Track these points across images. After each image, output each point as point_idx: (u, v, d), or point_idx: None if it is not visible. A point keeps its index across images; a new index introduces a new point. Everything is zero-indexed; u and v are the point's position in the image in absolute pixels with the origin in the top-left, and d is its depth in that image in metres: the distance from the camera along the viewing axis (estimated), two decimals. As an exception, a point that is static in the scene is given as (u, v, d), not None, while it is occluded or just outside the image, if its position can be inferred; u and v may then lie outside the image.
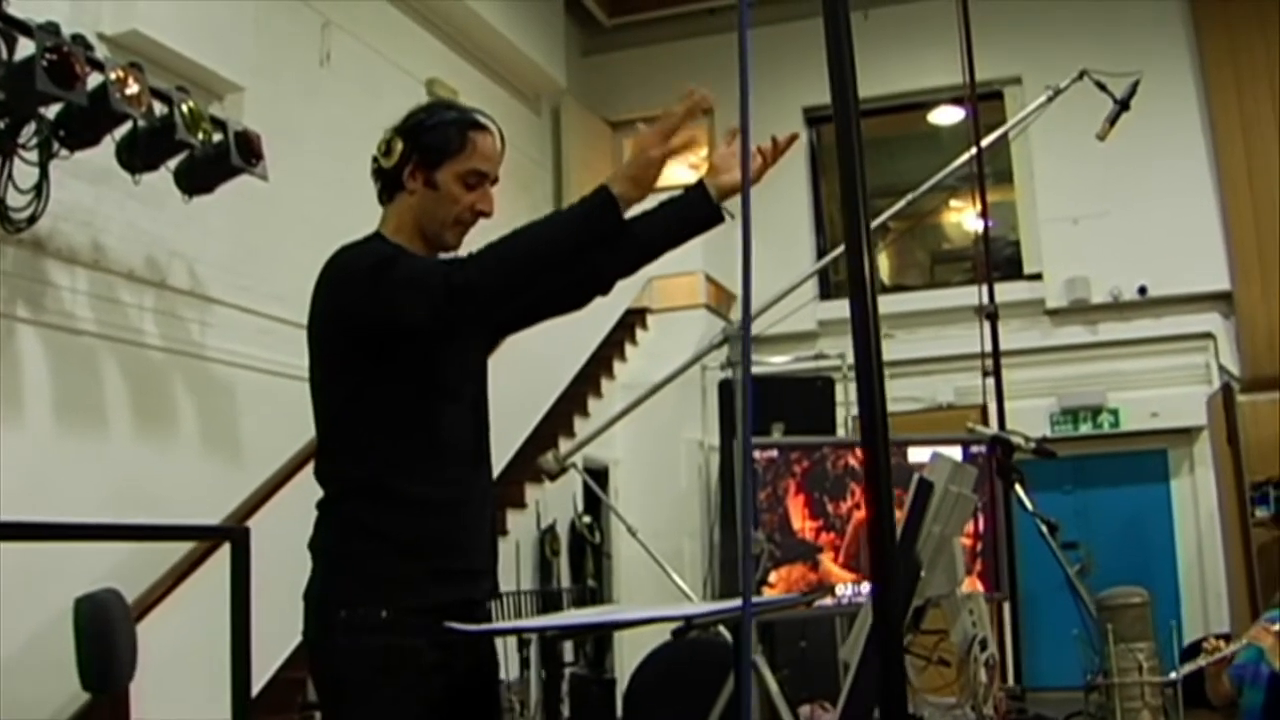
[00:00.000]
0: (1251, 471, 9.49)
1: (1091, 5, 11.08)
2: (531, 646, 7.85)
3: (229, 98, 6.99)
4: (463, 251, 2.70)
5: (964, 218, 12.68)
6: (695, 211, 2.62)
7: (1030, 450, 4.34)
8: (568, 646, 8.35)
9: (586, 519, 9.32)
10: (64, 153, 5.47)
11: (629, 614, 2.31)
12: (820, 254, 11.80)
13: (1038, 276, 11.35)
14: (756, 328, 4.47)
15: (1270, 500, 9.61)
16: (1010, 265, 11.45)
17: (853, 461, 4.81)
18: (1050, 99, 4.95)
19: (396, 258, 2.49)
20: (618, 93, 12.80)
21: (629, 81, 12.73)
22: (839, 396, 9.43)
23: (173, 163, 5.94)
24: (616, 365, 10.73)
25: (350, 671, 2.44)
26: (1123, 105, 4.98)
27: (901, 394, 10.54)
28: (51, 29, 5.07)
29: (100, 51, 5.54)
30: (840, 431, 9.01)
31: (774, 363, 10.28)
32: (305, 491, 2.67)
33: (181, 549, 6.05)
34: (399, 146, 2.59)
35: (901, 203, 4.75)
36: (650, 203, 2.58)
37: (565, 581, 9.11)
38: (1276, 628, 4.90)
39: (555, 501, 8.92)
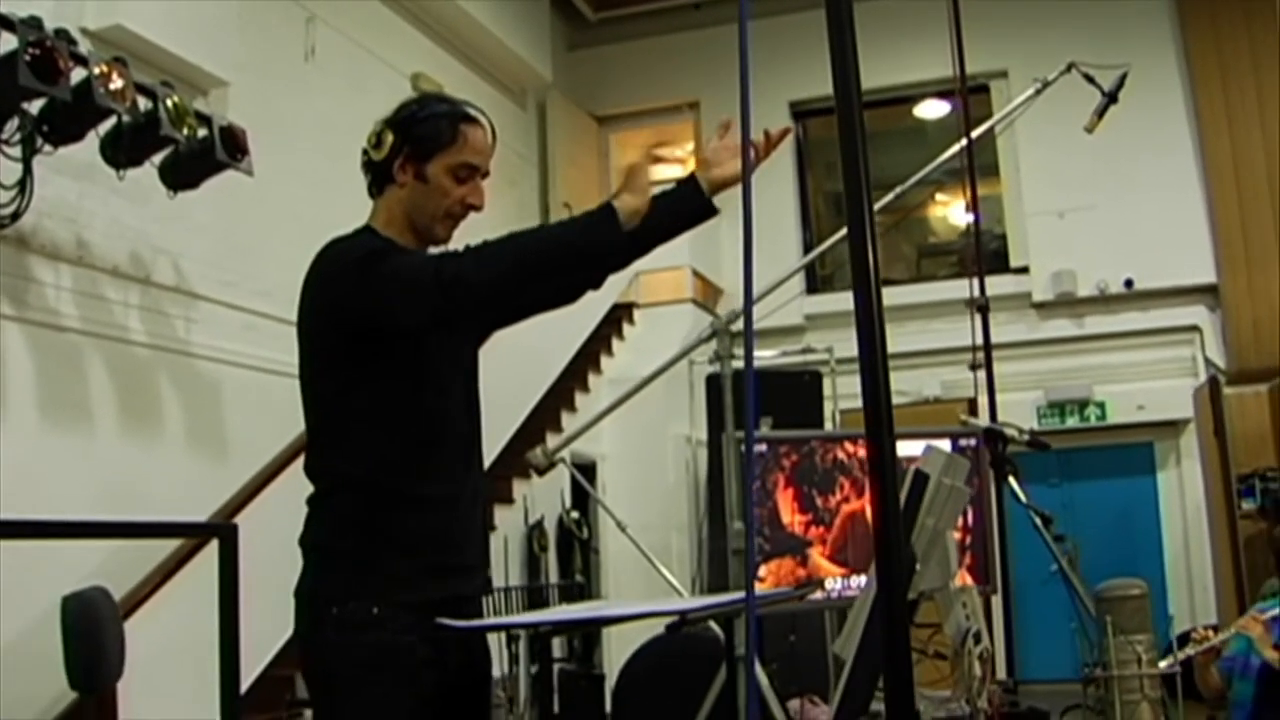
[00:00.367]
0: (1238, 464, 9.54)
1: (1078, 0, 11.09)
2: (520, 642, 7.84)
3: (214, 93, 6.96)
4: (453, 246, 2.69)
5: (950, 211, 12.70)
6: (687, 205, 2.60)
7: (1024, 442, 4.33)
8: (556, 642, 8.34)
9: (574, 514, 9.31)
10: (47, 148, 5.44)
11: (624, 609, 2.30)
12: (806, 248, 11.81)
13: (1024, 270, 11.37)
14: (741, 322, 4.46)
15: (1256, 492, 9.65)
16: (996, 259, 11.47)
17: (841, 455, 4.81)
18: (1038, 91, 4.93)
19: (386, 251, 2.48)
20: (603, 87, 12.79)
21: (614, 76, 12.72)
22: (826, 390, 9.43)
23: (157, 158, 5.91)
24: (604, 360, 10.73)
25: (341, 667, 2.43)
26: (1111, 98, 4.97)
27: (888, 388, 10.53)
28: (34, 23, 5.04)
29: (84, 46, 5.50)
30: (828, 425, 9.01)
31: (761, 357, 10.26)
32: (292, 488, 2.66)
33: (168, 546, 6.03)
34: (389, 139, 2.57)
35: (890, 196, 4.72)
36: None
37: (553, 577, 9.10)
38: (1265, 616, 4.92)
39: (543, 497, 8.91)
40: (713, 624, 4.58)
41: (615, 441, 10.07)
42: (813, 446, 4.78)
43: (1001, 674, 5.83)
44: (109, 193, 6.08)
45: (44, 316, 5.79)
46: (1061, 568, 4.05)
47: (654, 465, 10.30)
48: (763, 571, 4.52)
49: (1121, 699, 3.32)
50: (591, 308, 9.88)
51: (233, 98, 7.02)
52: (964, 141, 5.36)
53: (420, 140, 2.55)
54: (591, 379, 10.39)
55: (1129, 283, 10.90)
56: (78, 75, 5.22)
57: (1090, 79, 4.94)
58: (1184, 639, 5.14)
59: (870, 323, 1.27)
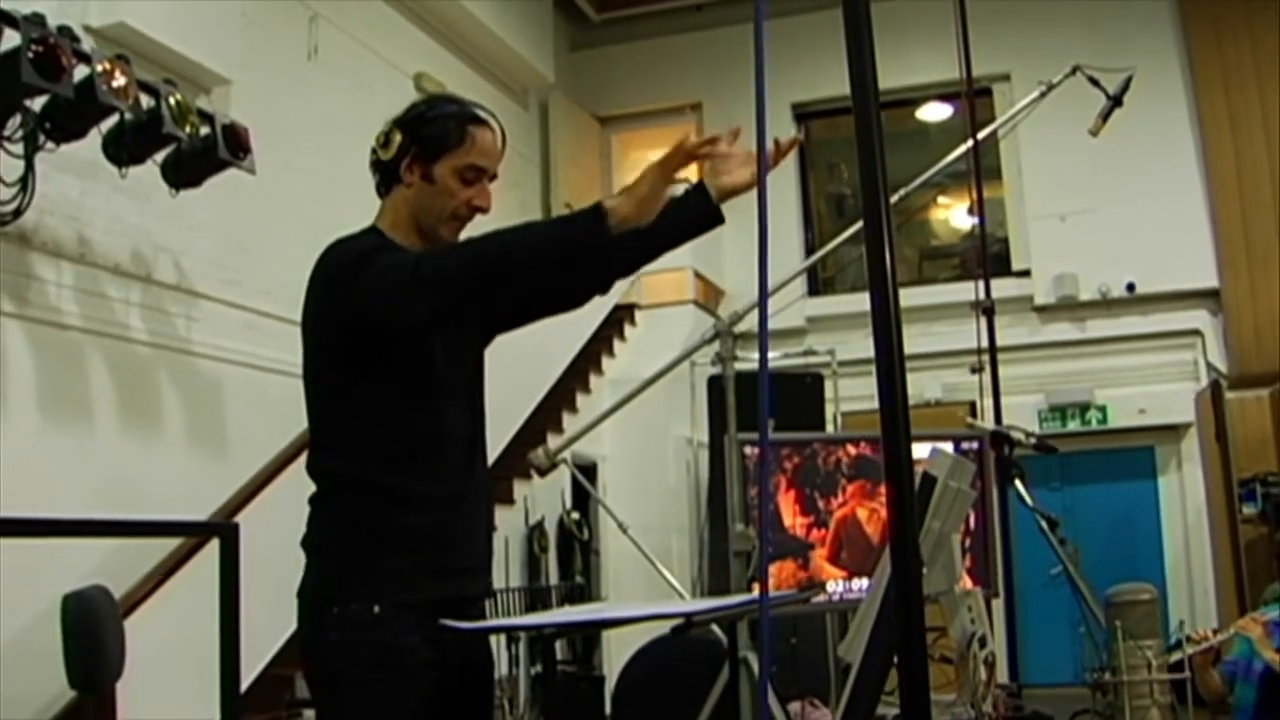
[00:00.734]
0: (1239, 468, 9.52)
1: (1080, 3, 11.09)
2: (520, 644, 7.82)
3: (216, 91, 6.95)
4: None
5: (952, 214, 12.68)
6: (695, 211, 2.59)
7: (1030, 445, 4.32)
8: (558, 643, 8.32)
9: (575, 515, 9.30)
10: (50, 145, 5.42)
11: (631, 611, 2.29)
12: (808, 250, 11.80)
13: (1026, 273, 11.36)
14: (743, 325, 4.46)
15: (1257, 497, 9.64)
16: (998, 262, 11.44)
17: (843, 457, 4.80)
18: (1043, 94, 4.94)
19: (378, 251, 2.46)
20: (606, 88, 12.78)
21: (617, 76, 12.72)
22: (828, 393, 9.42)
23: (160, 156, 5.90)
24: (605, 361, 10.72)
25: (343, 667, 2.43)
26: (1115, 101, 4.98)
27: (890, 390, 10.51)
28: (37, 20, 5.03)
29: (87, 44, 5.50)
30: (829, 428, 9.00)
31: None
32: (293, 487, 2.65)
33: (168, 545, 6.01)
34: (398, 139, 2.56)
35: (893, 198, 4.72)
36: None
37: (553, 578, 9.09)
38: (1265, 618, 4.91)
39: (543, 498, 8.90)
40: (714, 626, 4.58)
41: (616, 443, 10.06)
42: (815, 449, 4.78)
43: (1004, 678, 5.82)
44: (111, 190, 6.07)
45: (45, 314, 5.78)
46: (1068, 571, 4.05)
47: (655, 467, 10.29)
48: (764, 573, 4.51)
49: (1131, 704, 3.31)
50: (593, 309, 9.82)
51: (235, 96, 7.02)
52: (970, 143, 5.36)
53: (428, 141, 2.54)
54: (593, 380, 10.39)
55: (1131, 286, 10.88)
56: (80, 72, 5.21)
57: (1095, 82, 4.95)
58: (1179, 644, 5.13)
59: (887, 324, 1.26)
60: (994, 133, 5.91)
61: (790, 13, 10.72)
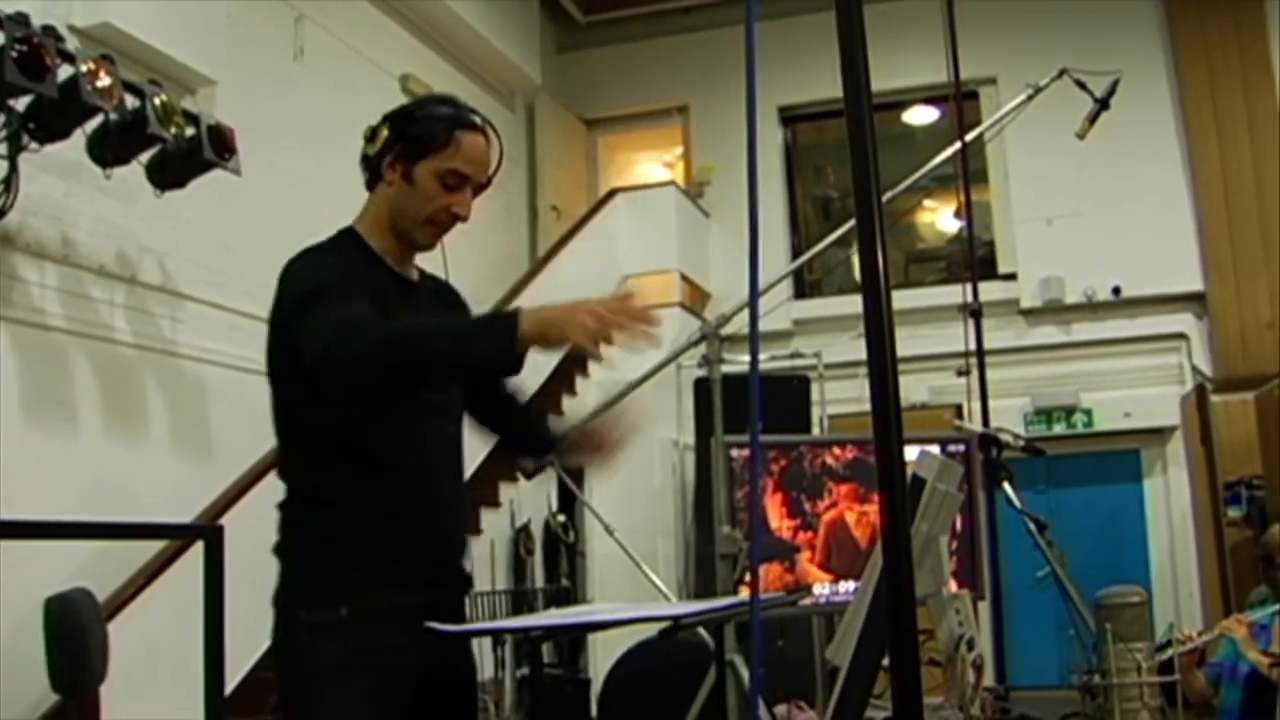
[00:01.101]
0: (1224, 471, 9.54)
1: (1066, 7, 11.11)
2: (506, 646, 7.80)
3: (201, 92, 6.93)
4: (437, 252, 2.66)
5: (938, 217, 12.70)
6: (494, 344, 2.25)
7: (1019, 448, 4.32)
8: (544, 646, 8.30)
9: (561, 518, 9.29)
10: (33, 145, 5.40)
11: (619, 614, 2.28)
12: (795, 253, 11.78)
13: (1012, 276, 11.37)
14: (730, 327, 4.45)
15: (1242, 500, 9.67)
16: (984, 265, 11.43)
17: (830, 460, 4.79)
18: (1030, 97, 4.94)
19: (323, 292, 2.36)
20: (593, 90, 12.76)
21: (604, 79, 12.70)
22: (814, 395, 9.42)
23: (144, 157, 5.88)
24: (590, 363, 10.69)
25: (309, 672, 2.41)
26: (1102, 104, 4.98)
27: (876, 393, 10.52)
28: (21, 20, 5.01)
29: (71, 44, 5.48)
30: (815, 430, 9.00)
31: (749, 361, 10.22)
32: (279, 490, 2.65)
33: (153, 547, 5.98)
34: (384, 134, 2.53)
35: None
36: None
37: (539, 581, 9.08)
38: (1249, 619, 4.91)
39: (529, 500, 8.88)
40: (700, 629, 4.57)
41: (602, 445, 10.02)
42: (801, 452, 4.77)
43: (990, 680, 5.82)
44: (95, 191, 6.04)
45: (29, 315, 5.75)
46: (1057, 574, 4.04)
47: (640, 469, 10.26)
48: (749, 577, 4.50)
49: (1121, 707, 3.31)
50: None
51: (220, 97, 7.00)
52: (957, 146, 5.36)
53: (412, 139, 2.50)
54: (579, 382, 10.36)
55: (1117, 290, 10.91)
56: (65, 72, 5.19)
57: (1082, 85, 4.96)
58: (1167, 642, 5.13)
59: (880, 327, 1.26)
60: (981, 136, 5.91)
61: (777, 16, 10.73)
